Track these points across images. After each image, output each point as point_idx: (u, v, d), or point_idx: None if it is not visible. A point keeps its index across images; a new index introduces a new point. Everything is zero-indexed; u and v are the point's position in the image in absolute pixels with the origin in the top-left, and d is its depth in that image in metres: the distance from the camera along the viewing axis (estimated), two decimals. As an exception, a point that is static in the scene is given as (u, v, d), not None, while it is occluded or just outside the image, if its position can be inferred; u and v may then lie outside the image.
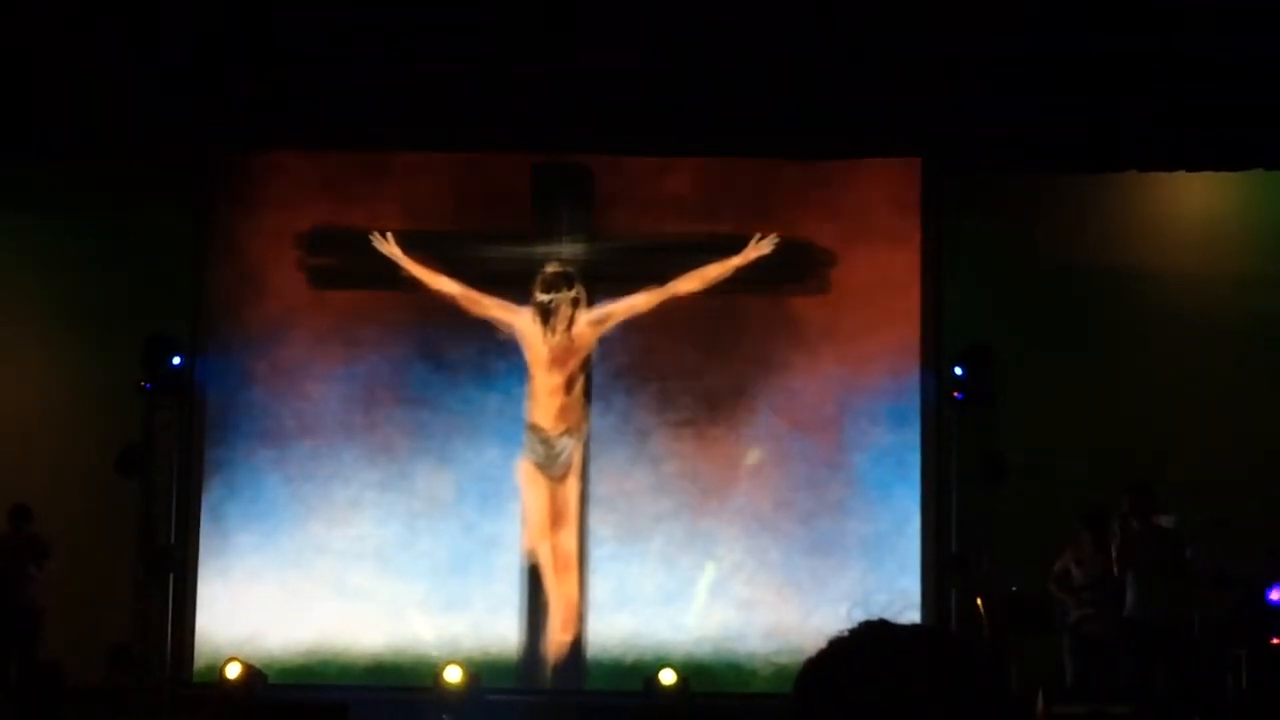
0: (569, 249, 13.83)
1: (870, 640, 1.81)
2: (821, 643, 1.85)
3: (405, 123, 13.65)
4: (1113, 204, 14.63)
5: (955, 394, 13.46)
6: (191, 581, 13.58)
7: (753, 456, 13.64)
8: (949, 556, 13.36)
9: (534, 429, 13.68)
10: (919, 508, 13.55)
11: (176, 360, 13.62)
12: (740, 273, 13.73)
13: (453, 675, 12.91)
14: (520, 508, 13.66)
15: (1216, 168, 14.16)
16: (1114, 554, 12.22)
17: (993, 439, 13.28)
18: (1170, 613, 12.05)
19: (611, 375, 13.73)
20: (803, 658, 1.86)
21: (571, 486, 13.66)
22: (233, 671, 12.95)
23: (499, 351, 13.74)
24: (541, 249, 13.82)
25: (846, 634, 1.82)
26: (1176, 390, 14.13)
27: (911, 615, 13.15)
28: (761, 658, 13.41)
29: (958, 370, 13.45)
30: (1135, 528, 12.16)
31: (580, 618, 13.58)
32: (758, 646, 13.43)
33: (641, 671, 13.24)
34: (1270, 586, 12.87)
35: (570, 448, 13.67)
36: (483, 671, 13.19)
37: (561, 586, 13.59)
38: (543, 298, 13.71)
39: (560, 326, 13.69)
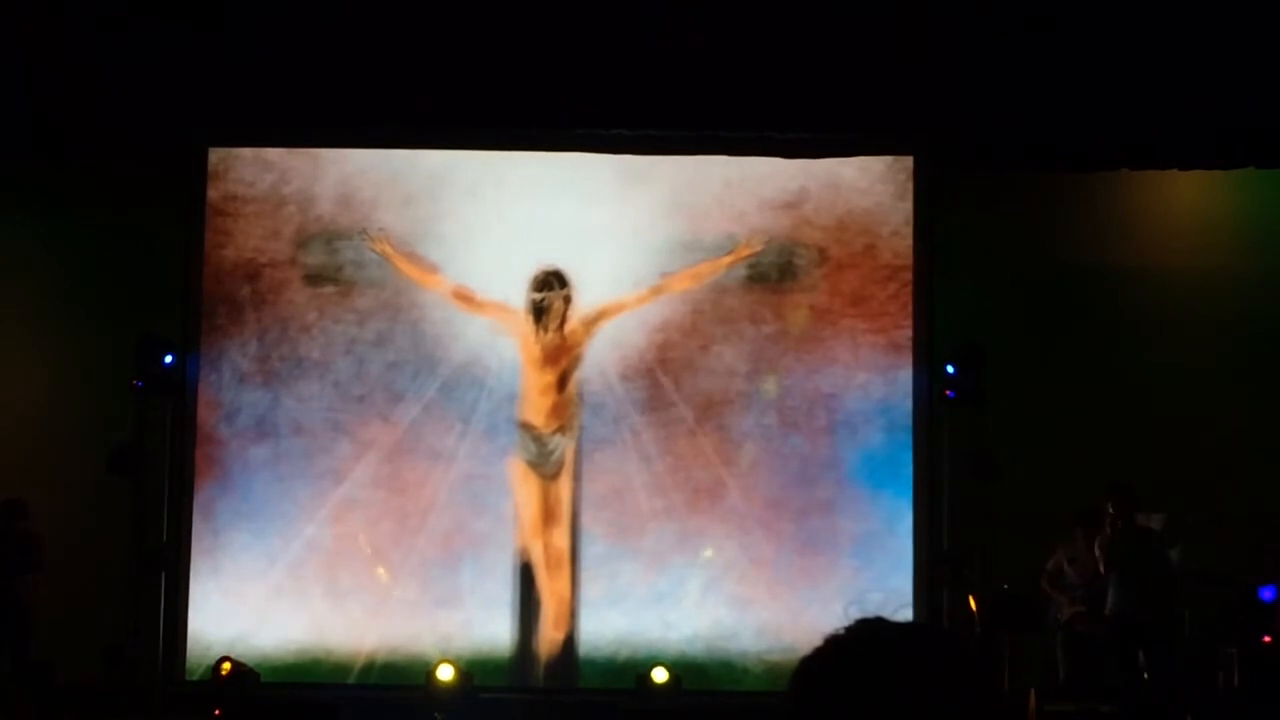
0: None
1: (866, 638, 1.81)
2: (814, 641, 1.85)
3: (400, 120, 13.65)
4: (1104, 202, 14.66)
5: (947, 392, 13.46)
6: (183, 580, 13.56)
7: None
8: (941, 555, 13.37)
9: (526, 427, 13.68)
10: (911, 506, 13.56)
11: (168, 359, 13.60)
12: (732, 270, 13.74)
13: (445, 673, 12.91)
14: (512, 506, 13.66)
15: (1208, 166, 14.18)
16: (1098, 554, 12.28)
17: (985, 437, 13.28)
18: (1148, 611, 12.07)
19: (604, 373, 13.73)
20: (795, 656, 1.86)
21: (564, 485, 13.66)
22: (225, 670, 12.94)
23: (491, 349, 13.74)
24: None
25: (842, 632, 1.82)
26: (1169, 389, 14.15)
27: (905, 614, 13.16)
28: (754, 656, 13.41)
29: (950, 369, 13.45)
30: (1118, 527, 12.21)
31: (572, 616, 13.59)
32: (750, 645, 13.43)
33: (634, 669, 13.24)
34: (1262, 586, 12.89)
35: (563, 446, 13.67)
36: (475, 670, 13.19)
37: (554, 584, 13.59)
38: (535, 296, 13.71)
39: (552, 325, 13.69)
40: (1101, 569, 12.25)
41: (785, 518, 13.59)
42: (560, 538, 13.63)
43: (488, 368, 13.72)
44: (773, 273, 13.78)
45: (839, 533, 13.59)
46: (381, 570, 13.58)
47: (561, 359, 13.70)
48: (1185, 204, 14.91)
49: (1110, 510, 12.19)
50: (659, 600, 13.54)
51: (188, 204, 13.88)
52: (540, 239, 13.77)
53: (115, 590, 13.40)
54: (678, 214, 13.81)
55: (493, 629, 13.52)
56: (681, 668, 13.18)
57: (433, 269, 13.78)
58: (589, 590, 13.60)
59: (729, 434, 13.69)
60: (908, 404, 13.64)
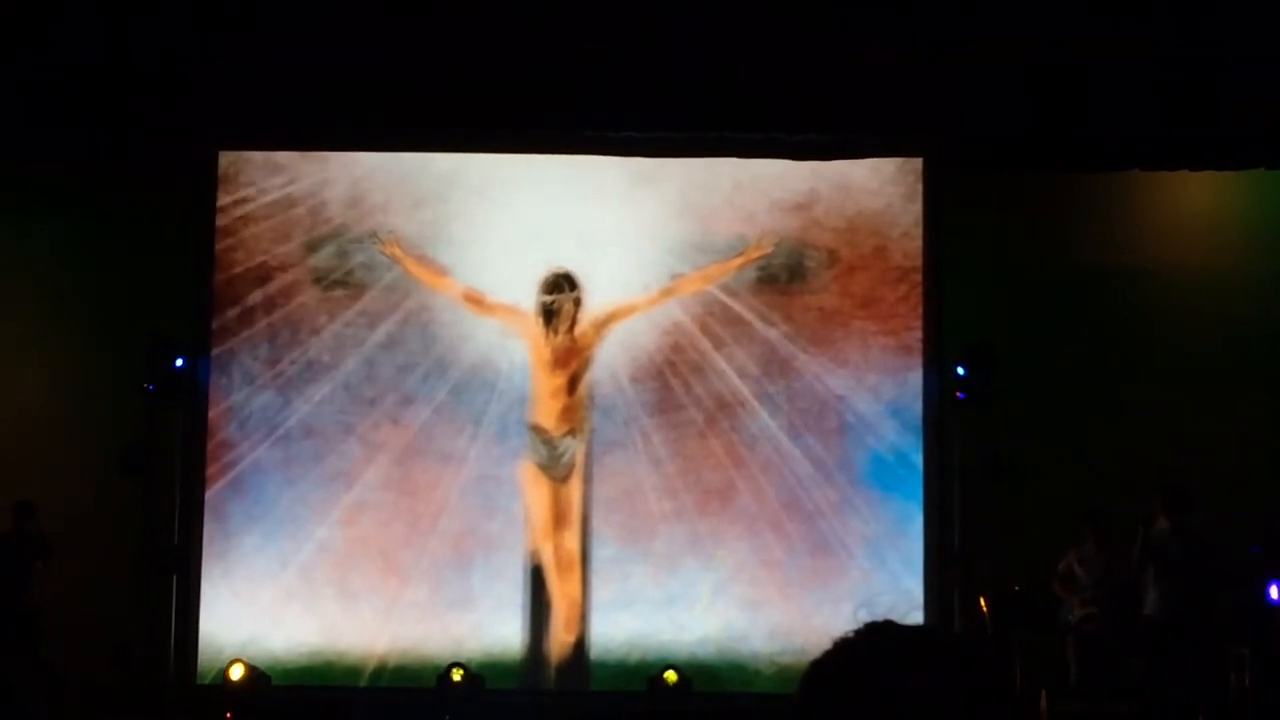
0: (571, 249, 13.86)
1: (875, 641, 1.82)
2: (825, 643, 1.85)
3: (410, 123, 13.66)
4: (1115, 203, 14.64)
5: (957, 393, 13.44)
6: (195, 582, 13.58)
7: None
8: (952, 556, 13.35)
9: (536, 430, 13.69)
10: (921, 507, 13.55)
11: (179, 361, 13.61)
12: (742, 272, 13.75)
13: (456, 676, 12.92)
14: (523, 509, 13.67)
15: (1218, 167, 14.15)
16: (1136, 551, 12.24)
17: (995, 438, 13.26)
18: (1191, 613, 12.03)
19: (614, 375, 13.74)
20: (806, 658, 1.86)
21: (574, 487, 13.67)
22: (236, 673, 12.97)
23: (502, 352, 13.75)
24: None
25: (851, 635, 1.83)
26: (1179, 389, 14.13)
27: (916, 616, 13.17)
28: (765, 658, 13.41)
29: (960, 370, 13.43)
30: (1165, 526, 12.15)
31: (583, 618, 13.59)
32: (761, 646, 13.43)
33: (645, 672, 13.25)
34: (1268, 584, 12.85)
35: (573, 449, 13.67)
36: (486, 672, 13.20)
37: (564, 587, 13.60)
38: (545, 298, 13.72)
39: (563, 327, 13.70)
40: (1134, 566, 12.25)
41: (796, 519, 13.59)
42: (571, 540, 13.63)
43: (498, 370, 13.73)
44: (783, 274, 13.78)
45: (850, 534, 13.58)
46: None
47: (572, 361, 13.71)
48: (1196, 204, 14.88)
49: (1156, 507, 12.18)
50: (670, 602, 13.54)
51: (199, 207, 13.90)
52: (550, 241, 13.78)
53: (126, 592, 13.41)
54: (687, 216, 13.82)
55: (504, 631, 13.53)
56: (693, 670, 13.19)
57: (443, 271, 13.79)
58: (600, 592, 13.60)
59: (739, 436, 13.69)
60: (918, 405, 13.64)
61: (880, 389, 13.68)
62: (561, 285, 13.74)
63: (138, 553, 13.50)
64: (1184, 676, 12.06)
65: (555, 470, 13.67)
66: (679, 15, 12.71)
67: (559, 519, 13.64)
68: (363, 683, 13.40)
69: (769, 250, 13.74)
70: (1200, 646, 12.10)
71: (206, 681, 13.35)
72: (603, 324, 13.73)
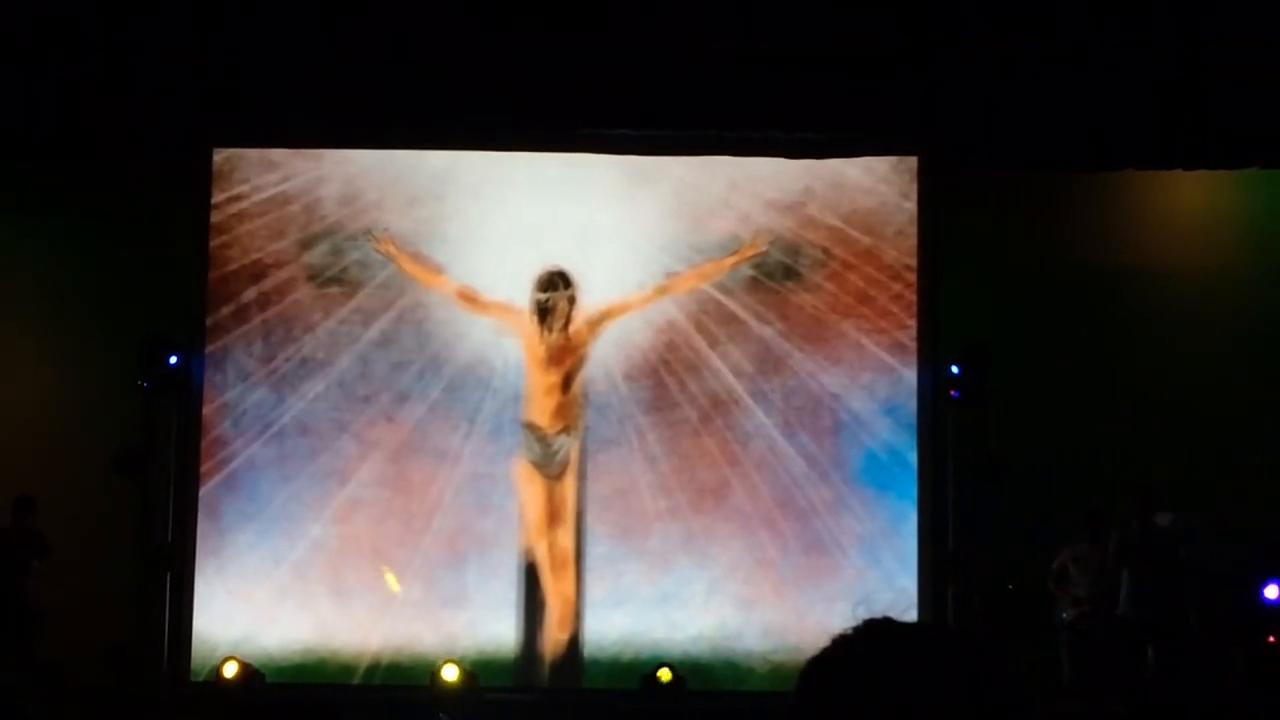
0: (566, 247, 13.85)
1: (874, 638, 1.81)
2: (819, 642, 1.84)
3: (405, 121, 13.65)
4: (1109, 202, 14.65)
5: (952, 392, 13.45)
6: (189, 580, 13.56)
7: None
8: (946, 555, 13.36)
9: (531, 428, 13.68)
10: (916, 506, 13.55)
11: (173, 359, 13.60)
12: (736, 271, 13.74)
13: (450, 674, 12.92)
14: (517, 507, 13.66)
15: (1213, 166, 14.16)
16: (1110, 552, 12.34)
17: (989, 437, 13.27)
18: (1160, 611, 12.10)
19: (608, 374, 13.73)
20: (800, 656, 1.86)
21: (569, 485, 13.66)
22: (230, 670, 12.96)
23: (496, 350, 13.74)
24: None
25: (849, 632, 1.82)
26: (1174, 388, 14.14)
27: (911, 614, 13.16)
28: (758, 656, 13.41)
29: (954, 369, 13.44)
30: (1134, 527, 12.24)
31: (577, 616, 13.59)
32: (755, 645, 13.43)
33: (639, 670, 13.24)
34: (1264, 584, 12.88)
35: (567, 446, 13.67)
36: (480, 670, 13.19)
37: (559, 585, 13.59)
38: (540, 296, 13.72)
39: (557, 325, 13.69)
40: (1111, 566, 12.32)
41: (790, 518, 13.58)
42: (565, 538, 13.63)
43: (492, 368, 13.72)
44: (777, 273, 13.78)
45: (844, 533, 13.58)
46: (391, 578, 13.57)
47: (566, 359, 13.70)
48: (1190, 204, 14.90)
49: (1127, 508, 12.24)
50: (664, 600, 13.54)
51: (193, 204, 13.88)
52: (545, 239, 13.77)
53: (121, 590, 13.40)
54: (682, 214, 13.81)
55: (497, 629, 13.52)
56: (686, 668, 13.18)
57: (437, 269, 13.78)
58: (594, 590, 13.59)
59: (734, 434, 13.68)
60: (912, 404, 13.63)
61: (875, 387, 13.68)
62: (556, 283, 13.73)
63: (132, 551, 13.49)
64: (1163, 674, 12.11)
65: (549, 468, 13.66)
66: (675, 14, 12.70)
67: (553, 517, 13.63)
68: (356, 680, 13.40)
69: (764, 248, 13.74)
70: (1173, 644, 12.15)
71: (200, 679, 13.33)
72: (597, 322, 13.72)
